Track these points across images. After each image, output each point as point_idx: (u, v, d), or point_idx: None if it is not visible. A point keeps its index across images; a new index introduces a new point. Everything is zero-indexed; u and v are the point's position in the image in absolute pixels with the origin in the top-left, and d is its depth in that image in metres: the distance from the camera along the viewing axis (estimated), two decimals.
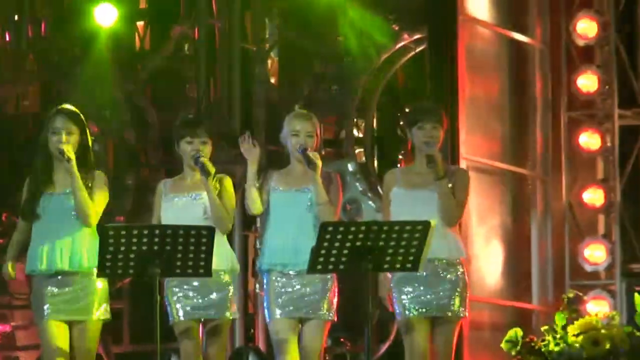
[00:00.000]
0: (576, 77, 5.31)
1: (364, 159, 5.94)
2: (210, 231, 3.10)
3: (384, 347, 4.18)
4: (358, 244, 2.95)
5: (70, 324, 3.45)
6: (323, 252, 3.00)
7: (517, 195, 5.27)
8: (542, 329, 4.43)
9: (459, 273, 3.46)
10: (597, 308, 5.14)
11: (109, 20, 5.89)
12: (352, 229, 3.04)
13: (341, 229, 3.03)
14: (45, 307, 3.45)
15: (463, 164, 4.38)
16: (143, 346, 4.53)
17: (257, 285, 4.25)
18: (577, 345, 4.34)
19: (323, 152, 3.98)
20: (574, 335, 4.34)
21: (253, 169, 3.49)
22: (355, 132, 6.09)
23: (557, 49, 5.43)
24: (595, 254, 5.39)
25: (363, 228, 3.04)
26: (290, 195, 3.54)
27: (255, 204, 3.47)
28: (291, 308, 3.45)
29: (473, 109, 4.83)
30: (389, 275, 3.40)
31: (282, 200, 3.52)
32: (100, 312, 3.49)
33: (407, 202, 3.52)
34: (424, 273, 3.29)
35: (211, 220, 3.41)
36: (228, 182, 3.51)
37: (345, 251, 2.95)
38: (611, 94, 5.33)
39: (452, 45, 4.61)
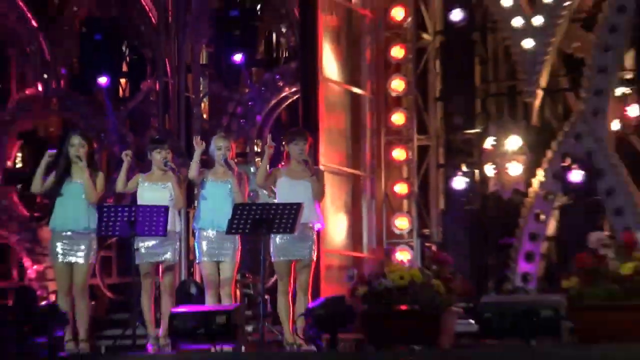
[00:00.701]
0: (391, 115, 6.85)
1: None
2: (166, 209, 4.38)
3: (272, 280, 5.23)
4: (257, 217, 4.19)
5: (72, 265, 4.47)
6: (235, 221, 4.25)
7: (354, 187, 6.69)
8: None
9: (314, 233, 4.61)
10: (402, 257, 6.63)
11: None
12: (254, 207, 4.39)
13: (247, 207, 4.39)
14: (58, 253, 4.48)
15: (321, 167, 5.62)
16: (127, 278, 5.83)
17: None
18: (391, 279, 4.48)
19: (236, 160, 5.08)
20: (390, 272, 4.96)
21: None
22: (255, 148, 7.76)
23: (380, 97, 6.88)
24: (401, 223, 6.83)
25: (260, 207, 4.42)
26: (217, 184, 4.61)
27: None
28: (215, 252, 4.56)
29: (329, 134, 6.25)
30: None
31: (213, 187, 4.62)
32: (91, 257, 4.52)
33: (290, 188, 4.53)
34: (296, 233, 4.31)
35: (173, 201, 4.55)
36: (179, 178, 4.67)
37: (250, 221, 4.20)
38: (412, 126, 6.86)
39: (315, 95, 6.09)
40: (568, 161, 6.17)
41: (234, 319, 4.01)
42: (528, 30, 6.57)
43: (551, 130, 6.75)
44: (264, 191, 5.93)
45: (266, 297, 4.84)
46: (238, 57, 7.76)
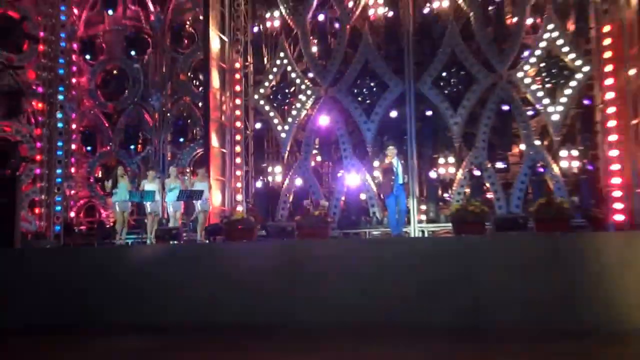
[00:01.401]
0: None
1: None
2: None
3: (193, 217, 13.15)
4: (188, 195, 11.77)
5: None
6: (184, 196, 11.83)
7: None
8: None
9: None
10: (239, 209, 14.28)
11: None
12: (188, 193, 11.85)
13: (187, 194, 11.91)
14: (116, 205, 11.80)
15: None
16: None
17: None
18: (235, 216, 13.11)
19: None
20: (234, 214, 13.29)
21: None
22: None
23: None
24: (239, 197, 14.73)
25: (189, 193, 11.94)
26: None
27: None
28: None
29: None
30: None
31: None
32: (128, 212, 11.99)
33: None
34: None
35: None
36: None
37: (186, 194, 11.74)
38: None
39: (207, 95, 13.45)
40: None
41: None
42: None
43: None
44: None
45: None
46: None
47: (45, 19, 15.07)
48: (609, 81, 12.38)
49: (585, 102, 12.80)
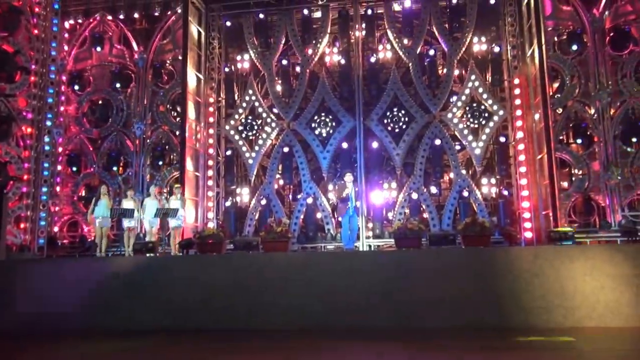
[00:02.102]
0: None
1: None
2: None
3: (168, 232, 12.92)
4: (164, 213, 11.71)
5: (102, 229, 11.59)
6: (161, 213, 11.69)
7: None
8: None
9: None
10: (211, 225, 14.30)
11: None
12: (164, 210, 11.74)
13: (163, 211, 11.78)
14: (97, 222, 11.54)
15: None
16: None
17: None
18: (206, 232, 13.00)
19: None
20: (206, 230, 13.21)
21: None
22: None
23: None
24: (210, 214, 14.68)
25: (165, 210, 11.90)
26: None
27: None
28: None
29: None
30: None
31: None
32: (107, 227, 11.64)
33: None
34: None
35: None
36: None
37: (163, 212, 11.68)
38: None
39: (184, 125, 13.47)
40: None
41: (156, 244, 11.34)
42: None
43: None
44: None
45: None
46: None
47: (37, 53, 14.66)
48: (519, 123, 13.21)
49: (501, 139, 13.52)
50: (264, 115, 14.45)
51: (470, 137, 13.38)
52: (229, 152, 14.65)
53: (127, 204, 11.48)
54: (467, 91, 13.53)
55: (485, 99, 13.42)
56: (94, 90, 15.68)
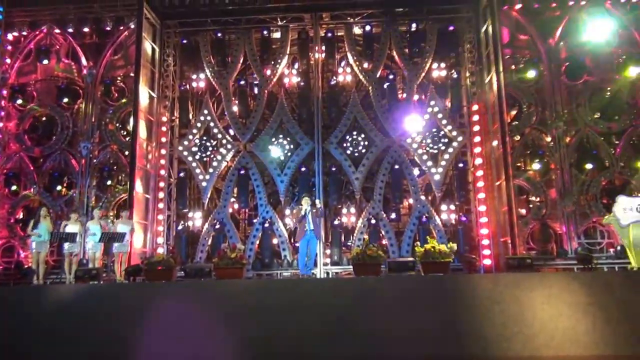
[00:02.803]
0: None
1: None
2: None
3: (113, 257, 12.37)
4: (110, 237, 11.11)
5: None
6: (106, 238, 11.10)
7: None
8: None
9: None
10: (160, 251, 13.74)
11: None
12: (110, 235, 11.13)
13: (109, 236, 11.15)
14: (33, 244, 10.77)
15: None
16: None
17: None
18: (156, 258, 12.50)
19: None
20: (155, 256, 12.64)
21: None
22: None
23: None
24: (160, 239, 14.10)
25: (111, 235, 11.24)
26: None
27: None
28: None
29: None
30: None
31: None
32: (45, 252, 11.01)
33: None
34: (123, 242, 11.60)
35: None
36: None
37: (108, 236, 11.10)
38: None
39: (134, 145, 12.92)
40: None
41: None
42: None
43: None
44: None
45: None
46: None
47: None
48: (478, 149, 13.53)
49: (460, 165, 13.76)
50: (219, 136, 14.20)
51: (429, 163, 13.56)
52: (181, 174, 14.22)
53: (73, 227, 10.88)
54: (426, 116, 13.71)
55: (445, 124, 13.66)
56: (37, 106, 15.00)
